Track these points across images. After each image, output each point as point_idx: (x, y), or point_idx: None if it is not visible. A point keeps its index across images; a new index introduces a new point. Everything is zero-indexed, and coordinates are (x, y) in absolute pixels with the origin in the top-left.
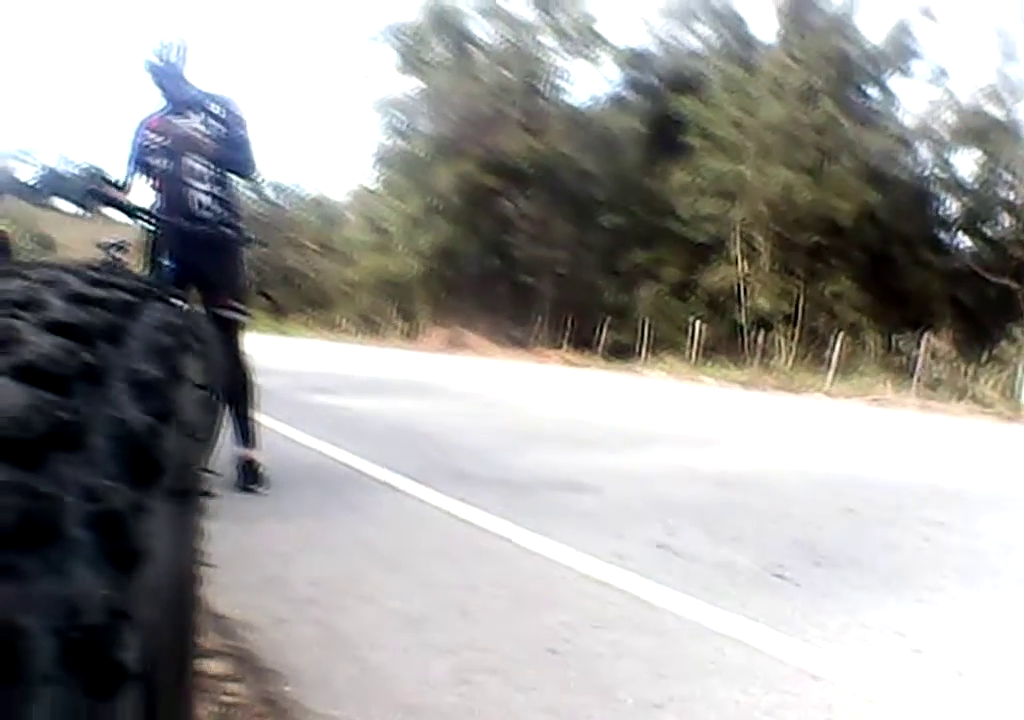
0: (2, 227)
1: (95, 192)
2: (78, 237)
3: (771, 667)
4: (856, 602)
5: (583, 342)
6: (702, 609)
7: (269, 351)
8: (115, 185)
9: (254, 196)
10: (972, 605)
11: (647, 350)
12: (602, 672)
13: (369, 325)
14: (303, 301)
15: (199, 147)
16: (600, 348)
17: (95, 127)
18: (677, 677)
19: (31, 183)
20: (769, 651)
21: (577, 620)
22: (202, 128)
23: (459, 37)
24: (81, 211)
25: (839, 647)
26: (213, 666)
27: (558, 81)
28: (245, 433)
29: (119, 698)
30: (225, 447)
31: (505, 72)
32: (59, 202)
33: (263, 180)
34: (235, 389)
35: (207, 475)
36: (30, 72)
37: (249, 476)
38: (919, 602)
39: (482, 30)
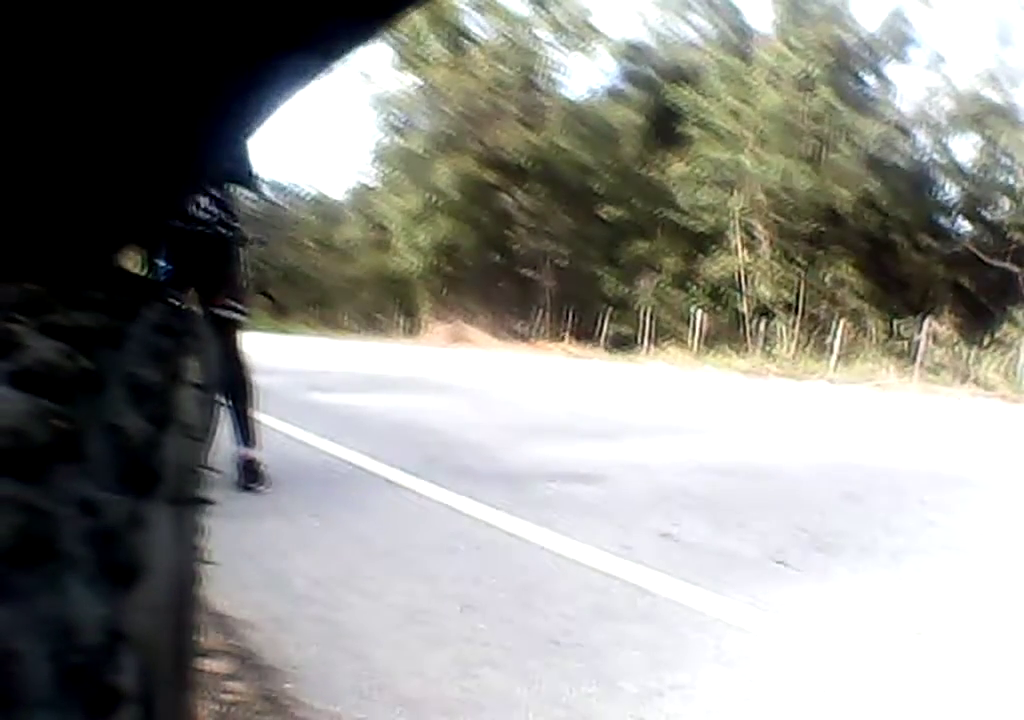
0: None
1: None
2: None
3: (772, 653)
4: (857, 586)
5: (585, 334)
6: (704, 597)
7: (270, 350)
8: None
9: (252, 195)
10: (975, 588)
11: (649, 341)
12: (604, 662)
13: (371, 322)
14: (304, 300)
15: None
16: (602, 340)
17: None
18: (678, 665)
19: None
20: (770, 637)
21: (579, 611)
22: None
23: (455, 33)
24: None
25: (840, 632)
26: (213, 665)
27: (555, 75)
28: (245, 432)
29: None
30: (225, 446)
31: (501, 67)
32: None
33: (262, 181)
34: (234, 388)
35: (206, 475)
36: None
37: (249, 475)
38: (921, 586)
39: (477, 26)
